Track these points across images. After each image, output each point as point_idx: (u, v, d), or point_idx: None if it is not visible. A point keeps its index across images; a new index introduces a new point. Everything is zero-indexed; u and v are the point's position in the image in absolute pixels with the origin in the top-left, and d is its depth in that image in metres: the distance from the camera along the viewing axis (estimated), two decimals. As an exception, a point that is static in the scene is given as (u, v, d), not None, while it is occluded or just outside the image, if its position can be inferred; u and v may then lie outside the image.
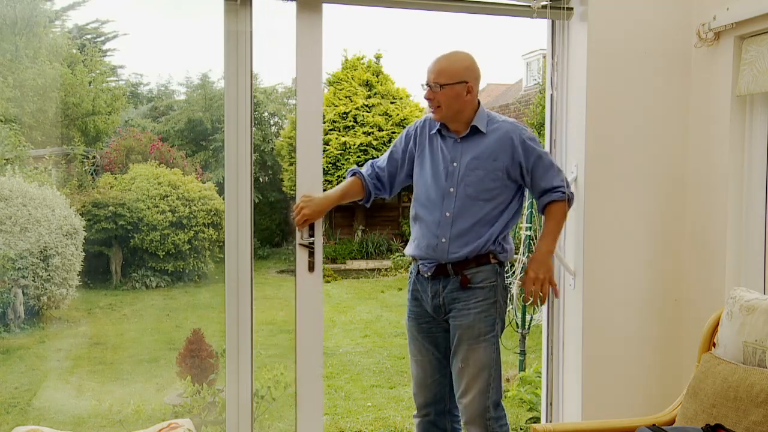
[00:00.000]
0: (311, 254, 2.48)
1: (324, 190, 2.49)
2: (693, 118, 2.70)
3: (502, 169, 2.33)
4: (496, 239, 2.33)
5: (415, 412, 2.51)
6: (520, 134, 2.35)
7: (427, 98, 2.37)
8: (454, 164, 2.36)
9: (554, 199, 2.36)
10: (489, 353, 2.32)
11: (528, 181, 2.37)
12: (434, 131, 2.42)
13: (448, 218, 2.34)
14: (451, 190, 2.34)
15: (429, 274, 2.37)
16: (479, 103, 2.41)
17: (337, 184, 2.66)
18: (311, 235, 2.46)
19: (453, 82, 2.32)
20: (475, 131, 2.36)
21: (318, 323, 2.54)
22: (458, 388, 2.35)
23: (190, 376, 3.97)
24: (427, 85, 2.36)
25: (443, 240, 2.34)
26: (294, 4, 2.45)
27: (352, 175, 2.52)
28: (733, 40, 2.50)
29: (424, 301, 2.40)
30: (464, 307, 2.33)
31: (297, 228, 2.47)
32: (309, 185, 2.48)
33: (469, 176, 2.33)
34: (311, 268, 2.49)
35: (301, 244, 2.48)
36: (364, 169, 2.51)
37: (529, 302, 2.36)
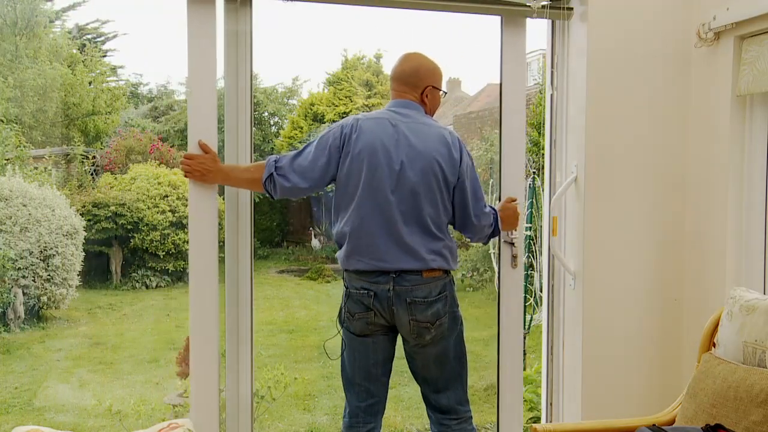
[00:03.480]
0: (514, 251, 2.66)
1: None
2: (693, 118, 2.70)
3: None
4: None
5: None
6: None
7: None
8: None
9: None
10: None
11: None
12: None
13: None
14: None
15: None
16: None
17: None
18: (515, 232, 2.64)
19: None
20: None
21: (519, 318, 2.71)
22: None
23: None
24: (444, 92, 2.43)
25: None
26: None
27: None
28: (733, 40, 2.50)
29: None
30: None
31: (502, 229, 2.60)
32: (512, 189, 2.64)
33: None
34: (514, 264, 2.64)
35: (505, 241, 2.66)
36: None
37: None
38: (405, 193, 2.18)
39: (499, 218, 2.42)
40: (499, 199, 2.70)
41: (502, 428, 2.73)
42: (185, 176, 2.34)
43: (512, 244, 2.67)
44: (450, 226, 2.32)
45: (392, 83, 2.34)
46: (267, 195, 2.29)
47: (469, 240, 2.45)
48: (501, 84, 2.68)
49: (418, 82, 2.30)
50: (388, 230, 2.18)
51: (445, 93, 2.42)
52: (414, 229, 2.19)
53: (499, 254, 2.73)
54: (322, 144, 2.24)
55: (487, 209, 2.36)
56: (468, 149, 2.30)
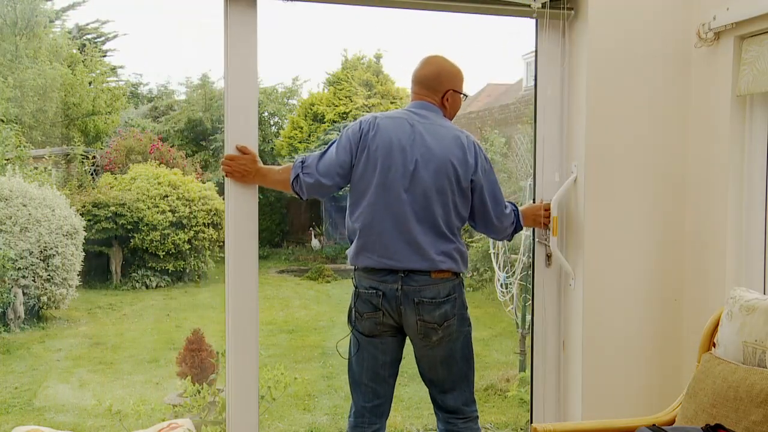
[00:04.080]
0: (548, 250, 2.73)
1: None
2: (693, 118, 2.70)
3: None
4: None
5: None
6: None
7: None
8: None
9: None
10: None
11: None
12: None
13: None
14: None
15: None
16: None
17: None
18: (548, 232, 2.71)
19: None
20: None
21: (554, 317, 2.78)
22: None
23: (190, 376, 3.97)
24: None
25: None
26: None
27: None
28: (733, 40, 2.50)
29: None
30: None
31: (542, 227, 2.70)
32: (546, 186, 2.73)
33: None
34: (548, 263, 2.74)
35: (539, 242, 2.76)
36: None
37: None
38: (418, 193, 2.19)
39: (520, 214, 2.45)
40: (533, 200, 2.75)
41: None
42: (225, 176, 2.39)
43: (546, 244, 2.71)
44: (465, 227, 2.33)
45: (413, 86, 2.35)
46: (297, 196, 2.31)
47: (492, 239, 2.47)
48: (536, 84, 2.75)
49: (439, 86, 2.31)
50: (399, 229, 2.18)
51: (466, 96, 2.42)
52: (426, 229, 2.19)
53: (533, 254, 2.79)
54: (343, 142, 2.26)
55: (508, 209, 2.38)
56: (485, 153, 2.30)
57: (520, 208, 2.49)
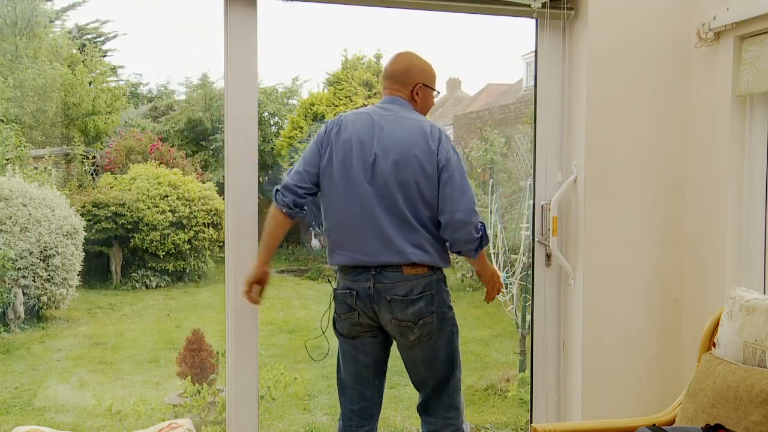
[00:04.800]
0: (548, 250, 2.76)
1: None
2: (693, 118, 2.70)
3: None
4: None
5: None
6: None
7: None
8: None
9: None
10: None
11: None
12: None
13: None
14: None
15: None
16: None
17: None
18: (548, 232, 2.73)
19: None
20: None
21: (554, 317, 2.81)
22: None
23: (190, 376, 3.97)
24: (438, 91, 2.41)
25: None
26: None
27: None
28: (733, 40, 2.50)
29: None
30: None
31: None
32: (546, 187, 2.76)
33: None
34: (548, 263, 2.78)
35: (539, 242, 2.78)
36: None
37: None
38: (380, 185, 2.16)
39: (487, 229, 2.29)
40: (534, 200, 2.73)
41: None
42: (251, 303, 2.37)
43: (546, 244, 2.72)
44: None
45: (383, 81, 2.35)
46: (300, 220, 2.27)
47: (457, 252, 2.25)
48: (536, 84, 2.77)
49: (408, 80, 2.30)
50: (367, 221, 2.17)
51: (438, 92, 2.41)
52: (393, 220, 2.16)
53: (533, 254, 2.81)
54: (311, 145, 2.28)
55: (478, 210, 2.28)
56: (452, 144, 2.25)
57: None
